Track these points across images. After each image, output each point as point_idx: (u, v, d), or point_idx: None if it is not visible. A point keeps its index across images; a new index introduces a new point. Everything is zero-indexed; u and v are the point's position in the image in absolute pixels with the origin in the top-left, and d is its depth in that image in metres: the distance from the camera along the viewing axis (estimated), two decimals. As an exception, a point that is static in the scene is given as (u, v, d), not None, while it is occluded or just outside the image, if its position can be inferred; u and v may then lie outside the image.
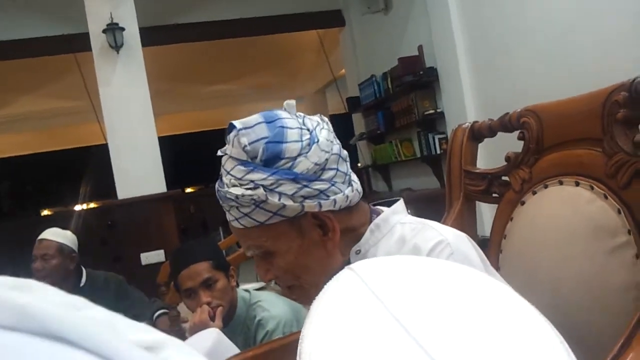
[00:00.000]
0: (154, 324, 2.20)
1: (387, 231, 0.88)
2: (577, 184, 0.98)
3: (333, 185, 0.82)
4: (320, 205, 0.81)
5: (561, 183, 1.02)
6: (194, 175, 9.29)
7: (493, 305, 0.39)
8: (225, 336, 1.27)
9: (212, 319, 1.54)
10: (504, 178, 1.16)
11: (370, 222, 0.89)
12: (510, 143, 1.17)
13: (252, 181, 0.78)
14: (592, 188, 0.95)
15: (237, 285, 1.74)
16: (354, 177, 0.88)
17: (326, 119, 0.89)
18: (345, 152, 0.86)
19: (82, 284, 2.30)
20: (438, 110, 4.57)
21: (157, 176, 4.04)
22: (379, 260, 0.46)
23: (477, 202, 1.25)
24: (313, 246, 0.84)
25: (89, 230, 5.81)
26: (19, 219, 8.10)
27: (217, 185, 0.84)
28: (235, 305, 1.67)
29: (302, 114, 0.86)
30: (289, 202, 0.79)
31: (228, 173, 0.81)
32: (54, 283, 2.10)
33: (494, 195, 1.18)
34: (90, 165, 7.71)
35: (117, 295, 2.33)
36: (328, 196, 0.81)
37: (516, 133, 1.12)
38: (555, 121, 1.03)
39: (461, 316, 0.37)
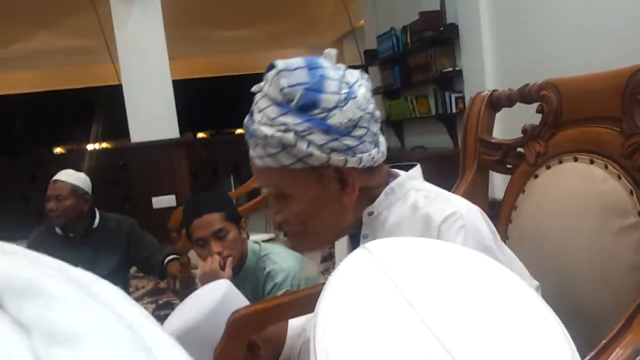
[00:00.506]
0: (164, 268, 2.27)
1: (402, 196, 0.89)
2: (592, 162, 0.98)
3: (362, 143, 0.82)
4: (346, 161, 0.81)
5: (576, 159, 1.02)
6: (206, 121, 9.29)
7: (501, 295, 0.40)
8: (236, 287, 1.31)
9: (222, 268, 1.59)
10: (519, 150, 1.16)
11: (387, 184, 0.89)
12: (528, 115, 1.16)
13: (284, 124, 0.78)
14: (606, 167, 0.95)
15: (248, 237, 1.78)
16: (382, 138, 0.88)
17: (367, 75, 0.88)
18: (378, 113, 0.86)
19: (95, 226, 2.35)
20: (456, 69, 4.49)
21: (170, 120, 4.05)
22: (394, 241, 0.48)
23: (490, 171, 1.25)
24: (329, 198, 0.85)
25: (101, 171, 5.90)
26: (33, 155, 8.20)
27: (246, 121, 0.84)
28: (245, 256, 1.71)
29: (343, 66, 0.85)
30: (316, 152, 0.79)
31: (261, 111, 0.81)
32: (67, 223, 2.16)
33: (507, 166, 1.19)
34: (104, 105, 7.72)
35: (129, 238, 2.38)
36: (355, 153, 0.81)
37: (535, 105, 1.11)
38: (575, 96, 1.02)
39: (471, 304, 0.39)
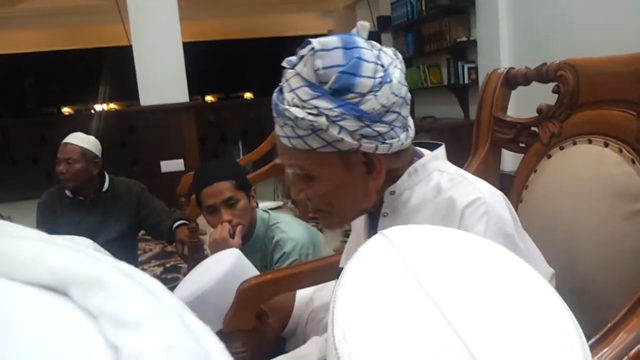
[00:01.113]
0: (173, 233, 2.30)
1: (425, 176, 0.87)
2: (606, 145, 0.98)
3: (392, 129, 0.80)
4: (376, 148, 0.80)
5: (590, 142, 1.01)
6: (215, 84, 9.23)
7: (515, 286, 0.41)
8: (245, 256, 1.34)
9: (232, 236, 1.61)
10: (533, 129, 1.15)
11: (411, 164, 0.88)
12: (544, 94, 1.15)
13: (317, 107, 0.76)
14: (620, 151, 0.94)
15: (257, 206, 1.80)
16: (410, 121, 0.87)
17: (400, 55, 0.85)
18: (409, 96, 0.84)
19: (104, 189, 2.37)
20: (471, 39, 4.42)
21: (180, 83, 4.03)
22: (412, 228, 0.48)
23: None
24: (355, 182, 0.84)
25: (110, 132, 5.92)
26: (41, 116, 8.21)
27: (275, 97, 0.81)
28: (254, 224, 1.73)
29: (378, 46, 0.82)
30: (347, 138, 0.77)
31: (292, 90, 0.78)
32: (77, 187, 2.18)
33: (521, 145, 1.18)
34: (113, 66, 7.67)
35: (139, 203, 2.40)
36: (385, 140, 0.80)
37: (551, 85, 1.10)
38: (592, 78, 1.01)
39: (485, 294, 0.40)
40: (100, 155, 2.36)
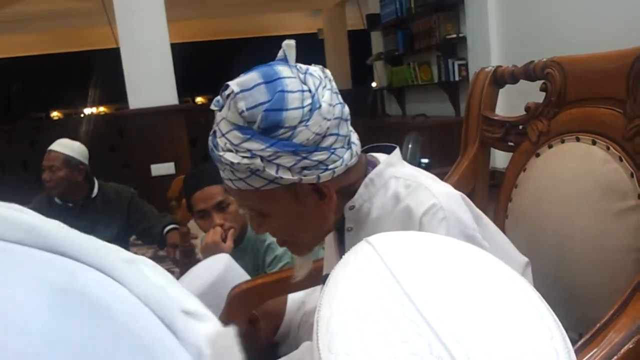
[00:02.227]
0: (164, 238, 2.28)
1: (381, 185, 0.86)
2: (594, 143, 0.98)
3: (333, 153, 0.78)
4: (319, 178, 0.78)
5: (578, 140, 1.01)
6: (205, 85, 9.20)
7: (494, 286, 0.41)
8: (236, 260, 1.33)
9: (224, 240, 1.60)
10: (521, 128, 1.15)
11: (365, 174, 0.86)
12: (535, 92, 1.15)
13: (249, 150, 0.74)
14: (608, 149, 0.95)
15: (248, 209, 1.79)
16: (354, 136, 0.84)
17: (328, 72, 0.82)
18: (346, 111, 0.81)
19: (93, 195, 2.36)
20: (460, 35, 4.44)
21: (168, 85, 4.00)
22: (396, 235, 0.48)
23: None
24: (308, 210, 0.82)
25: (99, 136, 5.88)
26: (30, 121, 8.15)
27: (210, 142, 0.80)
28: (246, 228, 1.72)
29: (302, 67, 0.79)
30: (286, 175, 0.76)
31: (223, 135, 0.76)
32: (63, 194, 2.16)
33: (509, 143, 1.18)
34: (101, 69, 7.63)
35: (129, 208, 2.39)
36: (327, 166, 0.78)
37: (539, 83, 1.10)
38: (579, 76, 1.01)
39: (471, 301, 0.40)
40: (86, 162, 2.33)
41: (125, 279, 0.23)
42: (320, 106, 0.75)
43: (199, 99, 9.33)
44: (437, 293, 0.40)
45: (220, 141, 0.77)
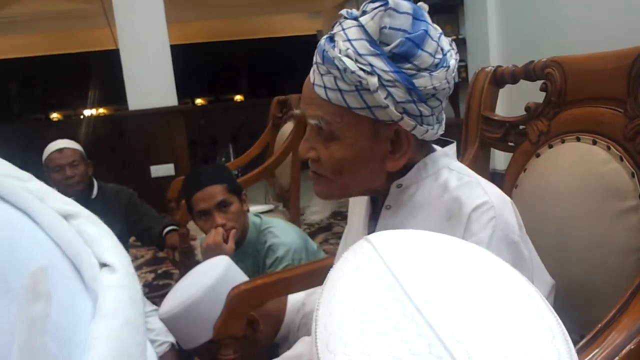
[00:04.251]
0: (163, 239, 2.28)
1: (433, 172, 0.84)
2: (595, 143, 0.97)
3: (432, 115, 0.77)
4: (414, 127, 0.76)
5: (578, 139, 1.01)
6: (204, 87, 9.21)
7: (504, 295, 0.40)
8: (236, 263, 1.32)
9: (225, 241, 1.60)
10: (521, 128, 1.15)
11: (424, 157, 0.85)
12: (535, 92, 1.14)
13: (371, 65, 0.71)
14: (608, 148, 0.94)
15: (248, 210, 1.79)
16: (443, 115, 0.84)
17: (456, 48, 0.82)
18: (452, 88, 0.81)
19: (93, 196, 2.35)
20: (460, 37, 4.43)
21: (168, 87, 4.00)
22: (397, 233, 0.48)
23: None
24: (375, 155, 0.80)
25: (99, 138, 5.87)
26: (29, 122, 8.15)
27: (323, 43, 0.76)
28: (246, 229, 1.72)
29: (440, 30, 0.79)
30: (391, 107, 0.73)
31: (349, 40, 0.73)
32: (83, 189, 2.16)
33: (509, 144, 1.18)
34: (101, 70, 7.63)
35: (128, 209, 2.38)
36: (423, 123, 0.77)
37: (539, 83, 1.10)
38: (580, 76, 1.01)
39: (472, 302, 0.39)
40: None
41: (48, 227, 0.26)
42: (448, 66, 0.76)
43: (199, 101, 9.32)
44: (437, 292, 0.40)
45: (343, 45, 0.73)
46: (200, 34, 8.69)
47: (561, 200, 1.02)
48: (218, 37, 8.82)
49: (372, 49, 0.72)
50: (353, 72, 0.71)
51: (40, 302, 0.22)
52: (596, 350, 0.67)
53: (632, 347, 0.67)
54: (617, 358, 0.65)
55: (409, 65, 0.72)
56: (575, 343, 0.70)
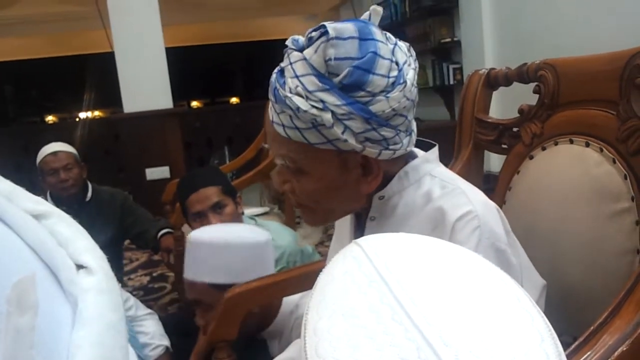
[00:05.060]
0: (158, 242, 2.27)
1: (415, 181, 0.83)
2: (587, 145, 0.97)
3: (397, 134, 0.74)
4: (379, 154, 0.74)
5: (571, 142, 1.01)
6: (200, 89, 9.20)
7: (493, 298, 0.40)
8: None
9: None
10: (515, 130, 1.15)
11: (404, 165, 0.83)
12: (526, 95, 1.15)
13: (323, 101, 0.69)
14: (601, 150, 0.94)
15: (243, 213, 1.78)
16: (414, 124, 0.81)
17: (414, 52, 0.78)
18: (417, 97, 0.77)
19: (87, 199, 2.35)
20: (455, 39, 4.45)
21: (163, 89, 4.00)
22: (386, 237, 0.47)
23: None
24: (347, 183, 0.79)
25: (94, 140, 5.85)
26: (24, 124, 8.13)
27: (274, 80, 0.74)
28: (240, 231, 1.71)
29: (393, 39, 0.75)
30: (351, 139, 0.71)
31: (297, 77, 0.70)
32: (77, 192, 2.16)
33: (503, 146, 1.18)
34: (96, 73, 7.62)
35: (123, 212, 2.38)
36: (389, 145, 0.74)
37: (532, 86, 1.10)
38: (573, 78, 1.01)
39: (461, 306, 0.39)
40: None
41: (20, 228, 0.25)
42: (404, 82, 0.72)
43: (194, 103, 9.32)
44: (426, 296, 0.40)
45: (291, 82, 0.71)
46: (196, 36, 8.69)
47: (554, 202, 1.02)
48: (213, 39, 8.82)
49: (320, 84, 0.69)
50: (306, 111, 0.70)
51: (27, 314, 0.21)
52: (589, 353, 0.67)
53: (625, 349, 0.67)
54: (609, 360, 0.65)
55: (362, 93, 0.70)
56: (568, 345, 0.70)
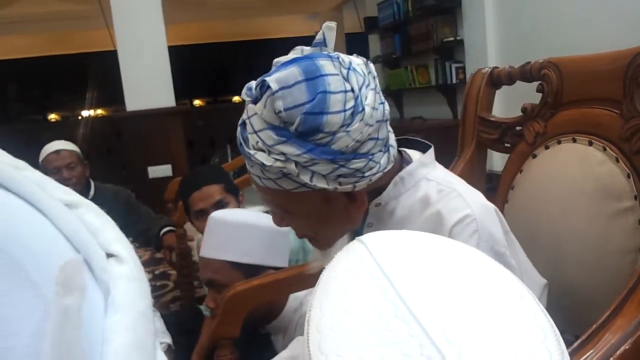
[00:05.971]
0: (160, 240, 2.27)
1: (411, 186, 0.82)
2: (591, 144, 0.97)
3: (370, 159, 0.73)
4: (355, 186, 0.74)
5: (574, 141, 1.01)
6: (203, 88, 9.20)
7: (496, 295, 0.40)
8: None
9: None
10: (518, 129, 1.15)
11: (400, 169, 0.83)
12: (529, 93, 1.15)
13: (283, 153, 0.69)
14: (604, 149, 0.94)
15: (245, 211, 1.78)
16: (392, 138, 0.79)
17: (372, 67, 0.76)
18: (387, 110, 0.75)
19: (90, 197, 2.35)
20: (458, 38, 4.43)
21: (166, 88, 4.01)
22: (389, 234, 0.47)
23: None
24: (336, 212, 0.79)
25: (97, 139, 5.87)
26: (27, 123, 8.15)
27: (238, 135, 0.74)
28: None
29: (345, 61, 0.72)
30: (320, 183, 0.71)
31: (255, 133, 0.71)
32: (80, 190, 2.16)
33: (506, 145, 1.18)
34: (99, 71, 7.63)
35: (125, 210, 2.38)
36: (363, 174, 0.73)
37: (535, 84, 1.10)
38: (576, 77, 1.01)
39: (464, 302, 0.39)
40: None
41: (55, 217, 0.25)
42: (362, 110, 0.70)
43: (197, 102, 9.32)
44: (430, 293, 0.40)
45: (252, 138, 0.71)
46: (199, 35, 8.69)
47: (557, 201, 1.02)
48: (216, 38, 8.83)
49: (277, 137, 0.69)
50: (270, 165, 0.70)
51: (75, 295, 0.22)
52: (591, 351, 0.67)
53: (627, 347, 0.67)
54: (611, 358, 0.65)
55: (320, 135, 0.68)
56: (570, 343, 0.70)
